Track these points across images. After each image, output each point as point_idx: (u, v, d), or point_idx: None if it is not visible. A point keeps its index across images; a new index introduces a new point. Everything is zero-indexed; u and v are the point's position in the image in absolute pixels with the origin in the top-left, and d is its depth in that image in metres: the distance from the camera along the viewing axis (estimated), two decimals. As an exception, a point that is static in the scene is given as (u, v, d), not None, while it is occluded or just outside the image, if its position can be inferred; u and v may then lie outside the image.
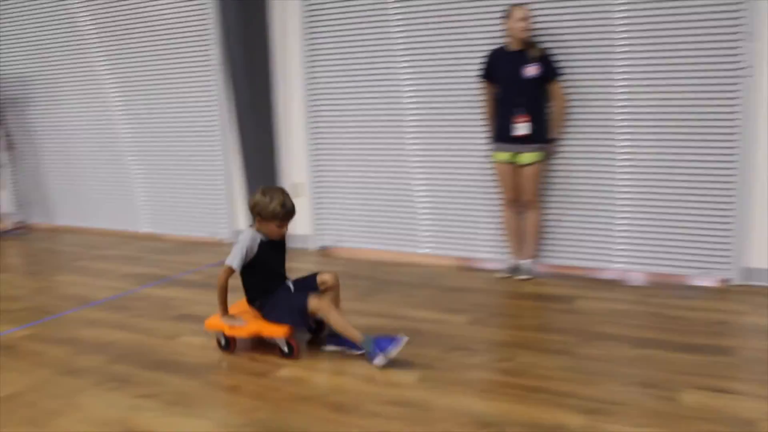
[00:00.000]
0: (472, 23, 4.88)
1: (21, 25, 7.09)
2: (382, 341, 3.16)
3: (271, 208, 3.28)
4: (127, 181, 6.78)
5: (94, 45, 6.68)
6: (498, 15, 4.67)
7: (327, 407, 2.78)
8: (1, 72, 7.28)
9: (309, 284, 3.49)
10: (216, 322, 3.45)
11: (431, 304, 4.18)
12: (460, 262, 5.21)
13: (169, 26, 6.18)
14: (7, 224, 7.30)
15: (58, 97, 7.06)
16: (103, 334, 3.80)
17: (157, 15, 6.24)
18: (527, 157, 4.54)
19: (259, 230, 3.37)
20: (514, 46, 4.49)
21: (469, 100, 4.96)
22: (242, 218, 6.09)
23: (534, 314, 3.96)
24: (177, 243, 6.32)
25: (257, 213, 3.32)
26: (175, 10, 6.11)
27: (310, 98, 5.60)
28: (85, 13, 6.69)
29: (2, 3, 7.14)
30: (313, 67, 5.55)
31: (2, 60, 7.29)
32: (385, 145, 5.38)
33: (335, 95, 5.51)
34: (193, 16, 6.02)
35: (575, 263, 4.82)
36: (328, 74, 5.51)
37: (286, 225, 3.39)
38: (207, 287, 4.72)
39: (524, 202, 4.68)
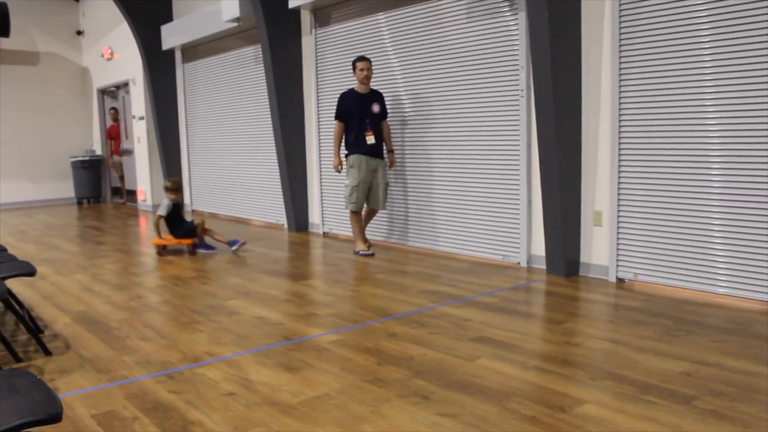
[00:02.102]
0: (811, 44, 4.37)
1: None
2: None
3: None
4: (430, 201, 7.11)
5: (398, 69, 7.11)
6: None
7: (633, 454, 2.62)
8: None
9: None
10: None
11: (745, 354, 3.78)
12: (767, 306, 4.67)
13: (478, 50, 6.37)
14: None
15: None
16: (404, 348, 3.97)
17: (466, 39, 6.47)
18: None
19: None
20: None
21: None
22: (537, 243, 6.06)
23: None
24: (471, 263, 6.45)
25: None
26: (482, 32, 6.29)
27: (619, 125, 5.40)
28: (390, 40, 7.19)
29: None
30: (623, 92, 5.35)
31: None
32: (691, 176, 5.00)
33: (643, 122, 5.26)
34: (502, 38, 6.14)
35: None
36: (637, 101, 5.27)
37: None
38: (503, 311, 4.75)
39: None
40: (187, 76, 11.54)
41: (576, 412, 3.02)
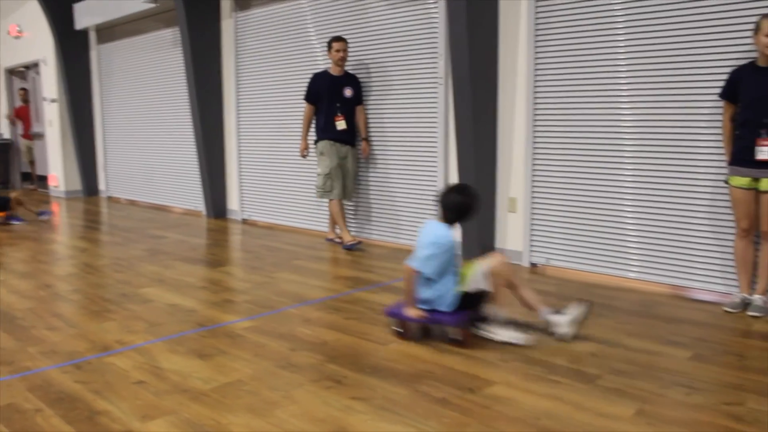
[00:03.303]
0: (703, 36, 4.56)
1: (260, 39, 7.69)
2: None
3: None
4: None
5: (320, 55, 7.08)
6: (746, 27, 4.34)
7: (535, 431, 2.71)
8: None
9: None
10: None
11: (647, 334, 3.95)
12: (676, 290, 4.88)
13: (399, 36, 6.40)
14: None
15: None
16: (319, 333, 3.98)
17: (386, 25, 6.49)
18: (768, 183, 4.16)
19: None
20: (764, 62, 4.12)
21: (697, 119, 4.64)
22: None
23: (767, 357, 3.60)
24: (391, 250, 6.50)
25: None
26: (404, 19, 6.32)
27: (534, 113, 5.53)
28: (314, 26, 7.15)
29: (247, 22, 7.78)
30: (537, 80, 5.47)
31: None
32: (604, 163, 5.17)
33: (558, 111, 5.40)
34: (423, 26, 6.18)
35: (818, 304, 4.34)
36: (552, 90, 5.40)
37: None
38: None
39: (761, 231, 4.28)
40: (102, 57, 11.18)
41: (485, 393, 3.09)
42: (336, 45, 6.46)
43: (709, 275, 4.73)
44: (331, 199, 6.63)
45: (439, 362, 3.49)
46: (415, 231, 6.50)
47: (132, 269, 5.76)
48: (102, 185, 11.59)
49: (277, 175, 7.98)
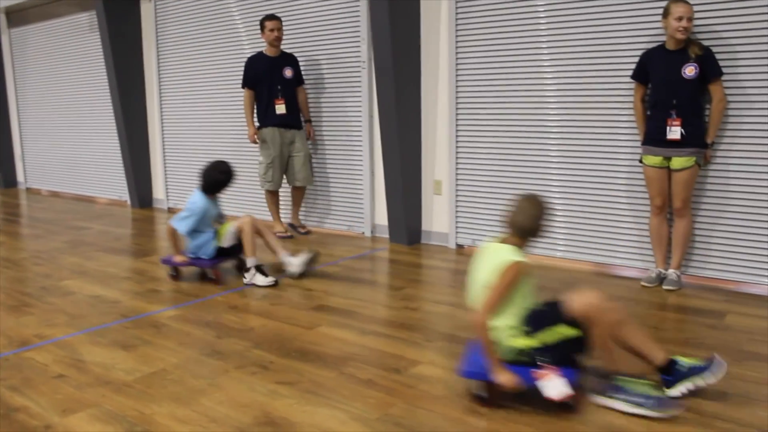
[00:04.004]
0: (622, 20, 4.70)
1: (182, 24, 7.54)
2: None
3: None
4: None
5: (245, 39, 6.99)
6: (656, 11, 4.48)
7: (461, 408, 2.76)
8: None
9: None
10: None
11: (569, 310, 4.07)
12: (597, 267, 5.04)
13: (322, 19, 6.37)
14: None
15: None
16: (245, 319, 3.96)
17: (309, 8, 6.45)
18: (680, 161, 4.32)
19: None
20: (672, 46, 4.27)
21: (616, 100, 4.79)
22: (381, 213, 6.18)
23: (680, 328, 3.76)
24: (318, 235, 6.50)
25: None
26: (327, 3, 6.29)
27: (456, 95, 5.59)
28: (237, 8, 7.04)
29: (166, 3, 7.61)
30: (460, 64, 5.54)
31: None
32: (526, 145, 5.28)
33: (480, 94, 5.47)
34: (345, 10, 6.16)
35: (726, 276, 4.54)
36: (474, 73, 5.48)
37: None
38: (345, 280, 4.83)
39: (674, 209, 4.45)
40: (14, 42, 10.75)
41: (410, 373, 3.14)
42: (269, 24, 6.14)
43: (628, 252, 4.90)
44: (268, 190, 6.42)
45: (365, 344, 3.52)
46: (342, 215, 6.52)
47: (52, 262, 5.60)
48: (20, 177, 11.19)
49: (203, 162, 7.84)
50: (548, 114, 5.14)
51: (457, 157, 5.67)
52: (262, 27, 6.20)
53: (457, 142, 5.65)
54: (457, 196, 5.73)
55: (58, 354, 3.47)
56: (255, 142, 6.41)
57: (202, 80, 7.69)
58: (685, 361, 2.80)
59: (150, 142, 8.51)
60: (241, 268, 5.01)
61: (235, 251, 4.91)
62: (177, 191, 8.30)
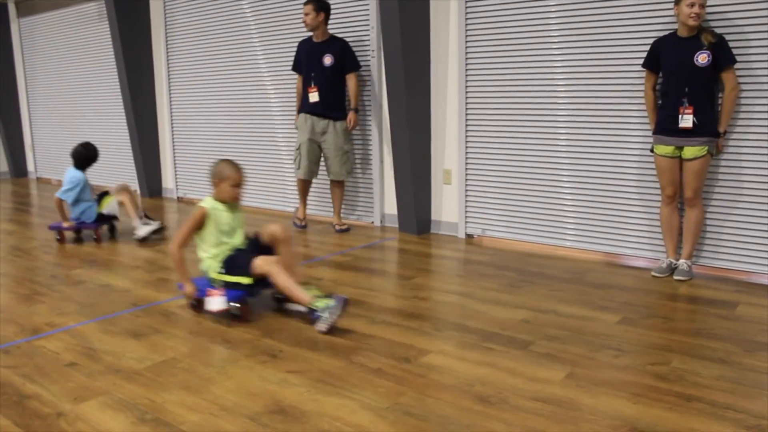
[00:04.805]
0: (634, 7, 4.66)
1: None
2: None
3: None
4: (281, 165, 7.06)
5: (255, 28, 6.98)
6: None
7: (471, 398, 2.76)
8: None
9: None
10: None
11: (579, 300, 4.06)
12: (608, 257, 5.03)
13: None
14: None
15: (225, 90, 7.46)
16: (255, 308, 3.97)
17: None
18: (692, 151, 4.29)
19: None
20: (684, 33, 4.23)
21: (627, 90, 4.75)
22: (390, 203, 6.17)
23: (691, 318, 3.74)
24: (327, 224, 6.49)
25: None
26: (334, -4, 6.27)
27: (466, 84, 5.57)
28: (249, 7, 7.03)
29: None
30: (469, 50, 5.51)
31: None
32: (536, 134, 5.26)
33: (490, 82, 5.45)
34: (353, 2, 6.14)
35: (737, 266, 4.52)
36: (484, 61, 5.45)
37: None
38: (354, 269, 4.83)
39: (685, 198, 4.43)
40: (23, 32, 10.76)
41: (420, 362, 3.14)
42: (304, 9, 5.90)
43: (639, 242, 4.88)
44: (298, 178, 6.26)
45: (375, 334, 3.52)
46: (351, 206, 6.51)
47: (63, 251, 5.62)
48: (30, 166, 11.23)
49: (212, 151, 7.86)
50: (558, 103, 5.11)
51: (467, 147, 5.65)
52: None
53: (467, 131, 5.63)
54: (466, 185, 5.71)
55: (69, 342, 3.48)
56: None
57: (210, 70, 7.69)
58: (321, 303, 3.55)
59: (159, 131, 8.52)
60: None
61: (112, 217, 6.01)
62: (186, 181, 8.31)
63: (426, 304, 4.03)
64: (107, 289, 4.44)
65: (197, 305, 3.93)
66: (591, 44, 4.89)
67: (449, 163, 5.79)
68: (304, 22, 5.90)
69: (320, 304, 3.55)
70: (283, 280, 3.66)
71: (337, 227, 6.20)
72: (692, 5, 4.10)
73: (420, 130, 5.76)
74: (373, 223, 6.36)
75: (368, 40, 6.07)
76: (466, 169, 5.68)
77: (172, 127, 8.33)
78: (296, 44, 6.27)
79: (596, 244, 5.08)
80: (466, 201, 5.73)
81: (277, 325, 3.67)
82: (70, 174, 5.91)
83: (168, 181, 8.58)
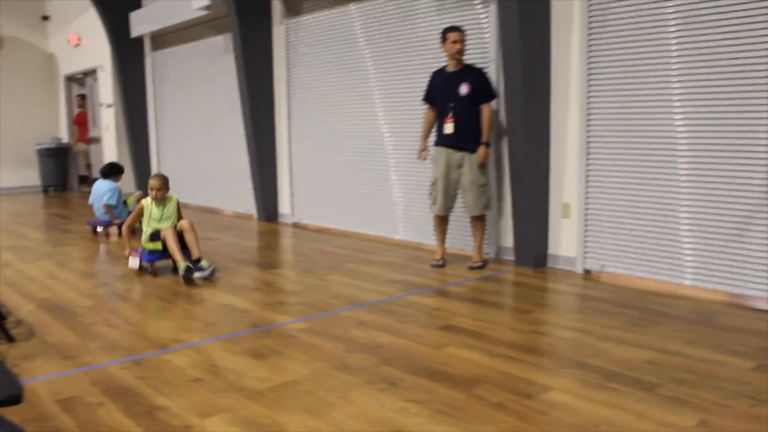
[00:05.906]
0: (762, 35, 4.45)
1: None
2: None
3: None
4: (390, 190, 7.12)
5: (369, 61, 7.10)
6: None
7: (597, 439, 2.66)
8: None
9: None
10: None
11: (708, 343, 3.85)
12: (734, 298, 4.75)
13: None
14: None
15: (339, 110, 7.64)
16: (373, 335, 3.98)
17: (434, 30, 6.47)
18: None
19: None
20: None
21: (756, 121, 4.51)
22: (506, 235, 6.10)
23: (835, 368, 3.48)
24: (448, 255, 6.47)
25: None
26: (453, 23, 6.29)
27: (587, 118, 5.45)
28: (362, 30, 7.17)
29: (299, 30, 7.86)
30: (591, 84, 5.40)
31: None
32: (657, 168, 5.06)
33: (613, 113, 5.31)
34: (472, 31, 6.14)
35: None
36: (607, 93, 5.33)
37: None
38: (471, 301, 4.78)
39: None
40: (156, 64, 11.40)
41: (542, 399, 3.05)
42: (452, 36, 5.62)
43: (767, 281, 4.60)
44: (435, 214, 5.99)
45: (494, 367, 3.45)
46: (468, 237, 6.46)
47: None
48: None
49: (328, 178, 8.02)
50: (680, 134, 4.90)
51: (587, 180, 5.52)
52: (444, 38, 5.71)
53: (587, 164, 5.50)
54: (586, 219, 5.56)
55: (194, 358, 3.60)
56: (421, 159, 6.10)
57: (328, 98, 7.88)
58: (205, 263, 5.52)
59: (278, 158, 8.78)
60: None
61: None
62: (302, 206, 8.51)
63: (545, 339, 3.94)
64: (228, 309, 4.58)
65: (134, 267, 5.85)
66: (714, 74, 4.69)
67: (568, 196, 5.66)
68: (459, 50, 5.64)
69: (204, 263, 5.49)
70: (171, 245, 5.50)
71: (470, 264, 5.92)
72: None
73: (538, 163, 5.68)
74: (488, 255, 6.28)
75: (486, 66, 6.05)
76: (586, 203, 5.55)
77: (290, 154, 8.57)
78: (412, 74, 6.32)
79: (720, 283, 4.81)
80: (585, 235, 5.58)
81: (396, 353, 3.67)
82: (107, 185, 7.89)
83: (284, 206, 8.81)
